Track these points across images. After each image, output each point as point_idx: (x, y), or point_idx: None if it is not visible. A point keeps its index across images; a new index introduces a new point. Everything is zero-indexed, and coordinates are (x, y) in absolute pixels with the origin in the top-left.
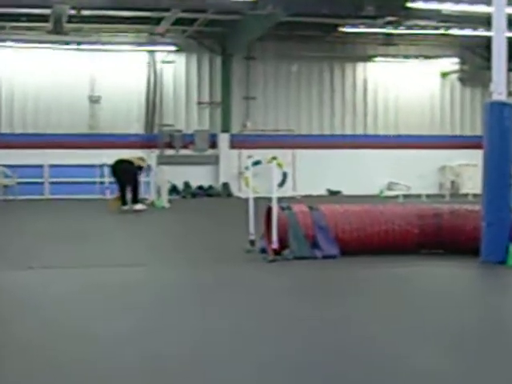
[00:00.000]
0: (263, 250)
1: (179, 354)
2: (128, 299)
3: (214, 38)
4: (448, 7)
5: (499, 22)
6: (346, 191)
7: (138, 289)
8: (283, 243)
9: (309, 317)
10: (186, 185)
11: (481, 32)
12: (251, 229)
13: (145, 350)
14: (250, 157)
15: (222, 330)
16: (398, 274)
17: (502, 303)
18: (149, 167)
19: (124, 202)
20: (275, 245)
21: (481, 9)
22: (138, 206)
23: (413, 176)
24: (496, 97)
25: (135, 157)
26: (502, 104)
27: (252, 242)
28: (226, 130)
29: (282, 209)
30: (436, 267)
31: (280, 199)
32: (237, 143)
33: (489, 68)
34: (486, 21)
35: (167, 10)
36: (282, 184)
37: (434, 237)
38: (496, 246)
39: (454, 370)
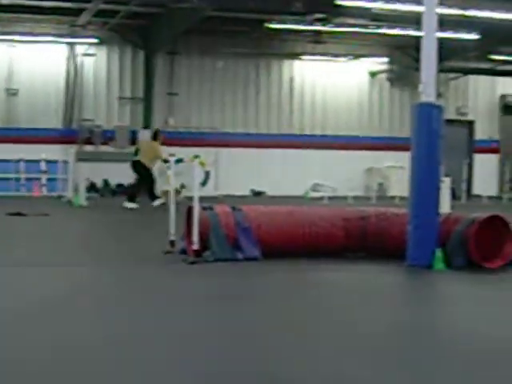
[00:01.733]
0: (183, 251)
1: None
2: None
3: (137, 32)
4: (378, 6)
5: (429, 22)
6: (270, 192)
7: (38, 290)
8: (204, 244)
9: (226, 321)
10: (106, 183)
11: (411, 32)
12: (171, 229)
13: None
14: (171, 155)
15: (124, 334)
16: (321, 278)
17: (428, 308)
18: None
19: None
20: (196, 246)
21: (411, 8)
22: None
23: (339, 177)
24: (425, 98)
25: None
26: (431, 105)
27: (172, 243)
28: (147, 126)
29: (204, 209)
30: (361, 271)
31: (202, 199)
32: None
33: (418, 68)
34: (416, 20)
35: (89, 1)
36: (204, 183)
37: (360, 240)
38: (422, 250)
39: (375, 377)
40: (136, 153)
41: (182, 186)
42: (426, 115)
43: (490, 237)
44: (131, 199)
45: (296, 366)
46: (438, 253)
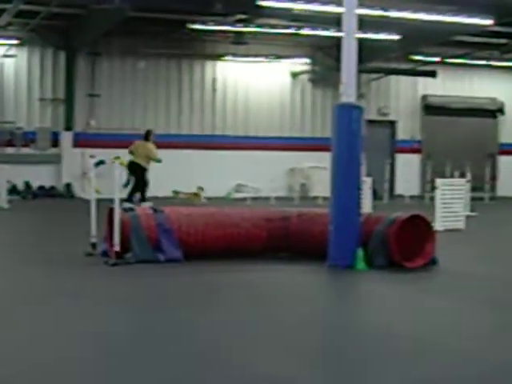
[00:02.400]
0: (105, 253)
1: None
2: None
3: (58, 33)
4: (299, 6)
5: (349, 23)
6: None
7: None
8: (126, 246)
9: (145, 322)
10: (27, 185)
11: (332, 33)
12: (93, 231)
13: None
14: (92, 156)
15: (43, 334)
16: (244, 279)
17: (348, 308)
18: None
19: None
20: (117, 248)
21: (332, 9)
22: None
23: (262, 178)
24: (345, 99)
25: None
26: (351, 106)
27: (93, 245)
28: (69, 128)
29: (125, 210)
30: (284, 272)
31: (124, 201)
32: (80, 142)
33: (339, 69)
34: (336, 21)
35: (9, 1)
36: (126, 185)
37: (282, 240)
38: (344, 250)
39: (298, 377)
40: (131, 154)
41: (201, 189)
42: (347, 116)
43: (411, 236)
44: (143, 200)
45: (216, 367)
46: (360, 253)
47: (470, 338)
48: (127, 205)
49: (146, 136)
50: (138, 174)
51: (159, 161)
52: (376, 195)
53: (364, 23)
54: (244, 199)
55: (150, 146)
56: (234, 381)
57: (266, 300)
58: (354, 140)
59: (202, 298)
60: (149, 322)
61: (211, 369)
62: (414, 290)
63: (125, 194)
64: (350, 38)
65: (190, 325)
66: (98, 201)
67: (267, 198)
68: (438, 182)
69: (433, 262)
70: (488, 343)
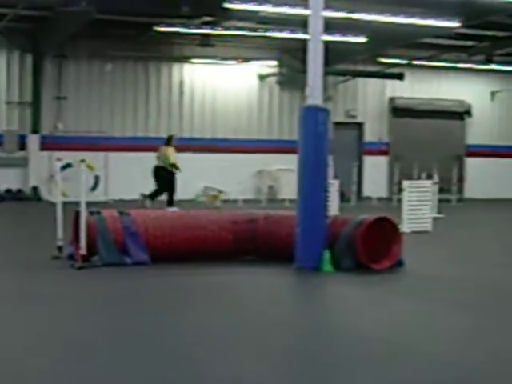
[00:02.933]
0: (71, 257)
1: None
2: None
3: (25, 35)
4: (266, 9)
5: (315, 26)
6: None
7: None
8: (92, 249)
9: (117, 327)
10: None
11: (299, 35)
12: (59, 234)
13: None
14: (58, 159)
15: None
16: (212, 282)
17: (314, 310)
18: None
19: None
20: (83, 251)
21: (298, 11)
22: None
23: (230, 180)
24: (311, 101)
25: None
26: (317, 109)
27: (60, 248)
28: (35, 131)
29: (91, 214)
30: (251, 274)
31: (92, 204)
32: (47, 145)
33: (306, 72)
34: (303, 23)
35: None
36: (94, 188)
37: (249, 243)
38: (311, 252)
39: (268, 381)
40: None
41: (220, 192)
42: (313, 118)
43: (377, 238)
44: (170, 204)
45: (184, 370)
46: (326, 255)
47: (441, 341)
48: (170, 209)
49: (168, 141)
50: (162, 177)
51: (173, 166)
52: (344, 197)
53: (331, 25)
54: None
55: (169, 150)
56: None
57: (233, 303)
58: (320, 142)
59: (169, 300)
60: (115, 324)
61: (179, 372)
62: (381, 291)
63: (93, 196)
64: (316, 40)
65: (158, 328)
66: (65, 204)
67: (235, 201)
68: (405, 184)
69: (399, 263)
70: (459, 346)
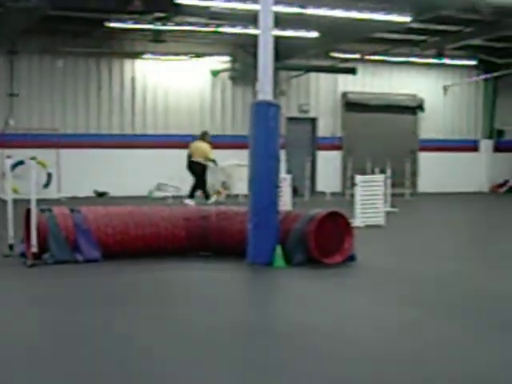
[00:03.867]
0: (23, 255)
1: None
2: None
3: None
4: (217, 4)
5: (265, 21)
6: (113, 192)
7: None
8: (43, 247)
9: (64, 324)
10: None
11: (251, 30)
12: (10, 232)
13: None
14: (9, 157)
15: None
16: (163, 279)
17: (266, 305)
18: None
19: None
20: (34, 248)
21: (250, 6)
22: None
23: (183, 177)
24: (262, 96)
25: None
26: (268, 104)
27: (11, 246)
28: None
29: (42, 211)
30: (203, 270)
31: (44, 201)
32: None
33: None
34: (255, 19)
35: None
36: (47, 185)
37: (201, 239)
38: (263, 248)
39: (217, 376)
40: (190, 155)
41: (225, 187)
42: (263, 113)
43: (329, 233)
44: (190, 196)
45: (125, 366)
46: (278, 250)
47: (391, 334)
48: (188, 201)
49: (202, 137)
50: (197, 171)
51: (214, 161)
52: (297, 192)
53: (282, 20)
54: (165, 198)
55: (205, 146)
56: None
57: (184, 299)
58: (271, 137)
59: (119, 297)
60: (66, 321)
61: (121, 368)
62: (331, 286)
63: (46, 193)
64: (266, 35)
65: (103, 325)
66: (16, 201)
67: None
68: (358, 178)
69: (351, 258)
70: (404, 339)
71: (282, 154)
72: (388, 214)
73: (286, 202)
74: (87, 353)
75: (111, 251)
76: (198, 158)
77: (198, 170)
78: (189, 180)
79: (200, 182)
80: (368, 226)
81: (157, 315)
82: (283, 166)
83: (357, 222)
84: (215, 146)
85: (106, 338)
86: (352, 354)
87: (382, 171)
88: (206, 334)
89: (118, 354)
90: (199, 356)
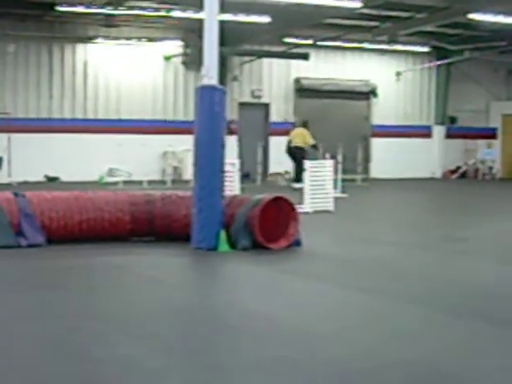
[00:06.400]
0: None
1: None
2: None
3: None
4: None
5: (211, 6)
6: (65, 177)
7: None
8: None
9: (7, 306)
10: None
11: (202, 15)
12: None
13: None
14: None
15: None
16: (108, 264)
17: (210, 290)
18: None
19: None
20: None
21: None
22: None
23: (135, 161)
24: (207, 81)
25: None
26: (213, 88)
27: None
28: None
29: None
30: (147, 255)
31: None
32: None
33: None
34: None
35: None
36: None
37: (147, 224)
38: (207, 233)
39: (158, 359)
40: (290, 140)
41: (286, 171)
42: (209, 98)
43: (274, 218)
44: (298, 180)
45: (65, 351)
46: (223, 235)
47: (325, 320)
48: (296, 185)
49: (304, 124)
50: (297, 156)
51: (314, 146)
52: (249, 177)
53: (234, 5)
54: (116, 183)
55: (306, 132)
56: (80, 363)
57: (127, 283)
58: (216, 122)
59: (61, 282)
60: (7, 304)
61: (61, 353)
62: (275, 271)
63: None
64: (211, 20)
65: (44, 309)
66: None
67: (140, 182)
68: (307, 163)
69: (297, 243)
70: (341, 324)
71: (235, 139)
72: (338, 199)
73: (234, 186)
74: (20, 332)
75: (55, 236)
76: (298, 143)
77: (298, 154)
78: (138, 164)
79: (301, 166)
80: (317, 212)
81: (97, 300)
82: (235, 151)
83: (306, 207)
84: (167, 131)
85: (43, 321)
86: (291, 337)
87: (333, 157)
88: (146, 318)
89: (51, 337)
90: (139, 339)
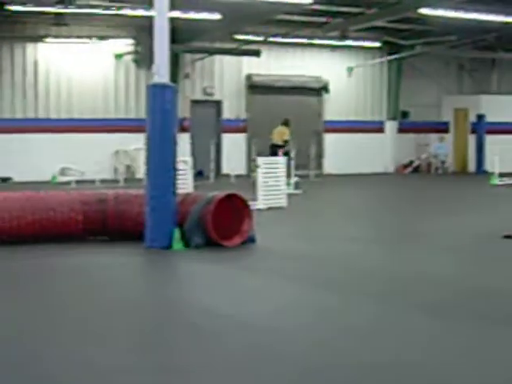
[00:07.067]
0: None
1: None
2: None
3: None
4: None
5: (160, 3)
6: (17, 177)
7: None
8: None
9: None
10: None
11: (152, 13)
12: None
13: None
14: None
15: None
16: (61, 264)
17: (165, 289)
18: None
19: None
20: None
21: None
22: None
23: (87, 161)
24: (158, 79)
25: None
26: (164, 86)
27: None
28: None
29: None
30: (101, 255)
31: None
32: None
33: None
34: None
35: None
36: None
37: (100, 223)
38: (160, 231)
39: (115, 359)
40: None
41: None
42: (160, 96)
43: (228, 215)
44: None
45: (22, 352)
46: (176, 233)
47: (283, 313)
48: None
49: (285, 123)
50: (274, 153)
51: (286, 142)
52: (202, 175)
53: (184, 3)
54: (68, 183)
55: (285, 130)
56: (33, 364)
57: (81, 283)
58: (167, 120)
59: (12, 283)
60: None
61: (13, 355)
62: (229, 268)
63: None
64: (161, 17)
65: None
66: None
67: (92, 181)
68: (260, 160)
69: (251, 240)
70: (297, 319)
71: (187, 137)
72: (291, 195)
73: (187, 184)
74: None
75: (8, 237)
76: (276, 141)
77: (274, 151)
78: (90, 163)
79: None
80: (270, 208)
81: (51, 301)
82: (188, 149)
83: (259, 204)
84: (119, 130)
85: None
86: (244, 333)
87: (286, 153)
88: (102, 318)
89: (5, 338)
90: (95, 340)
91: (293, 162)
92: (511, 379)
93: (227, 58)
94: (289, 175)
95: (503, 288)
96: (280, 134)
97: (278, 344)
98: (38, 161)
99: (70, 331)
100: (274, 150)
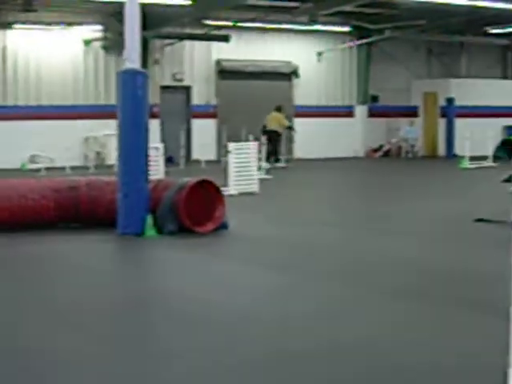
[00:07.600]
0: None
1: None
2: None
3: None
4: None
5: None
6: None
7: None
8: None
9: None
10: None
11: None
12: None
13: None
14: None
15: None
16: (33, 252)
17: (142, 276)
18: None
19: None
20: None
21: None
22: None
23: (57, 148)
24: (129, 65)
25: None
26: (135, 72)
27: None
28: None
29: None
30: (73, 242)
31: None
32: None
33: None
34: None
35: None
36: None
37: (71, 210)
38: (133, 218)
39: (94, 348)
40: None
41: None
42: (131, 82)
43: (200, 201)
44: (276, 160)
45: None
46: (149, 220)
47: (256, 299)
48: (265, 165)
49: (278, 109)
50: (273, 138)
51: (290, 127)
52: (173, 161)
53: None
54: (38, 170)
55: (280, 116)
56: (13, 355)
57: (53, 271)
58: (139, 106)
59: None
60: None
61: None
62: (203, 254)
63: None
64: (132, 3)
65: None
66: None
67: (63, 168)
68: (231, 146)
69: (223, 226)
70: (268, 305)
71: (157, 123)
72: (263, 181)
73: (158, 170)
74: None
75: None
76: (274, 127)
77: (273, 137)
78: (61, 150)
79: (274, 148)
80: (242, 194)
81: (25, 290)
82: (158, 135)
83: (231, 189)
84: (88, 116)
85: None
86: (217, 319)
87: (257, 138)
88: (79, 307)
89: None
90: (73, 329)
91: (264, 148)
92: (461, 355)
93: (197, 44)
94: (268, 159)
95: (467, 269)
96: (276, 120)
97: (252, 327)
98: (6, 148)
99: (46, 321)
100: (271, 136)
